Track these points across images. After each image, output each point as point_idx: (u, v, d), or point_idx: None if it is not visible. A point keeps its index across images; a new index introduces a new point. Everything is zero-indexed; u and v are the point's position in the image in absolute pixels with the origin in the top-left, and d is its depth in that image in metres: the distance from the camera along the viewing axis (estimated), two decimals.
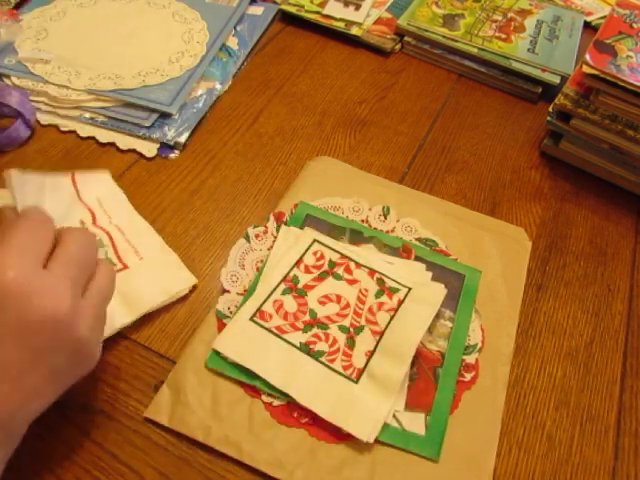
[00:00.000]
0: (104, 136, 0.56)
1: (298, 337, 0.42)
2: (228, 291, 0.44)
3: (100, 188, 0.49)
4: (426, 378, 0.41)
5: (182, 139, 0.56)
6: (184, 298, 0.44)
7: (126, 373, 0.40)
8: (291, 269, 0.45)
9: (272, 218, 0.50)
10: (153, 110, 0.57)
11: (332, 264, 0.46)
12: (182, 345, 0.42)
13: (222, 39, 0.67)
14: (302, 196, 0.52)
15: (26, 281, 0.29)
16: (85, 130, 0.56)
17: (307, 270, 0.46)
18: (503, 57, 0.68)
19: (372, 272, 0.46)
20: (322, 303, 0.44)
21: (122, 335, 0.42)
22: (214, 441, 0.37)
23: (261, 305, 0.43)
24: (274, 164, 0.56)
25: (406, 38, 0.71)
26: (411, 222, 0.51)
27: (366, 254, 0.47)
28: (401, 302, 0.44)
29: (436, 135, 0.62)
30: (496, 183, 0.58)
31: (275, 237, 0.48)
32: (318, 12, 0.72)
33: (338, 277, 0.45)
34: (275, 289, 0.44)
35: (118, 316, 0.41)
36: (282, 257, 0.46)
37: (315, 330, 0.42)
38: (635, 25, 0.59)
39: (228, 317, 0.43)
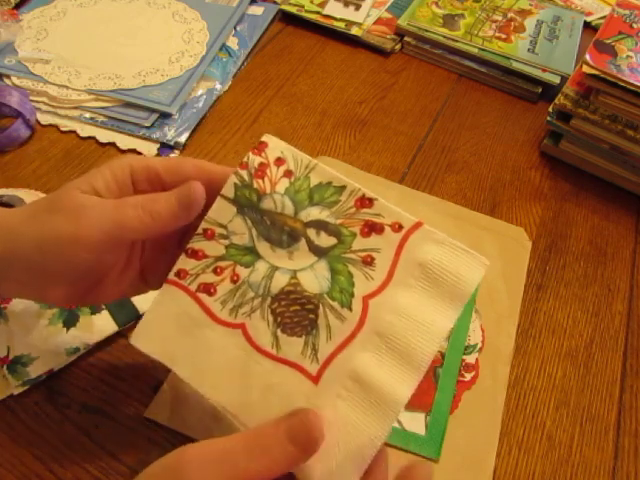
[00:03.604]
0: (104, 136, 0.56)
1: None
2: None
3: None
4: (426, 378, 0.41)
5: (182, 139, 0.56)
6: None
7: (126, 373, 0.40)
8: None
9: None
10: (153, 110, 0.57)
11: None
12: None
13: (222, 39, 0.67)
14: None
15: None
16: (85, 130, 0.56)
17: None
18: (503, 57, 0.68)
19: None
20: None
21: (122, 335, 0.42)
22: None
23: None
24: None
25: (406, 38, 0.71)
26: None
27: None
28: None
29: (436, 135, 0.62)
30: (496, 183, 0.58)
31: None
32: (318, 12, 0.72)
33: None
34: None
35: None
36: None
37: None
38: (635, 25, 0.59)
39: None
